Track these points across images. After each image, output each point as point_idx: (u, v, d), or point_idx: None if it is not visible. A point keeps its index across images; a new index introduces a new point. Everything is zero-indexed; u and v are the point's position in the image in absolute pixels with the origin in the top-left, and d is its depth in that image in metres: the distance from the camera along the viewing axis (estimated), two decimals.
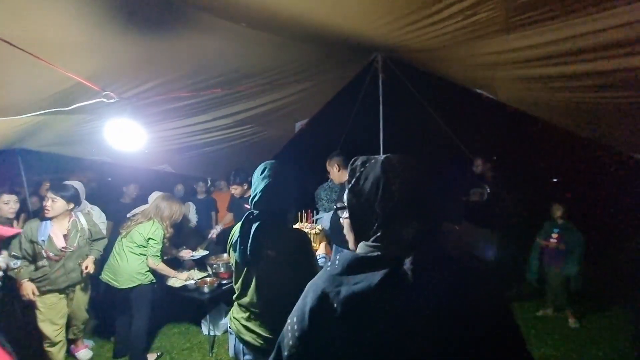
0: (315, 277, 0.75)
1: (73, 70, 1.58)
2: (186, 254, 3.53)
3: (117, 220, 3.32)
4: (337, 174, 2.95)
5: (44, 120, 2.32)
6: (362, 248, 0.75)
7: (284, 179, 1.52)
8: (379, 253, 0.71)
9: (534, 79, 1.95)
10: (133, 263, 2.75)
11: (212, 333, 3.16)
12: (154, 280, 2.89)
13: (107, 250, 2.98)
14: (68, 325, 2.84)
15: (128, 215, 3.01)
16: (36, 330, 2.64)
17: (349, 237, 0.82)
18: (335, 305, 0.67)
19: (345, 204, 0.80)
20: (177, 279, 3.07)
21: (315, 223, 2.41)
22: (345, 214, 0.81)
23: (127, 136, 1.92)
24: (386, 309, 0.66)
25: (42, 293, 2.58)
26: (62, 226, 2.64)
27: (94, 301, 3.10)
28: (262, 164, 1.57)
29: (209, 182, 5.06)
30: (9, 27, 1.34)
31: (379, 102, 2.67)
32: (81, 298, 2.85)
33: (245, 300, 1.52)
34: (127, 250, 2.75)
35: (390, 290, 0.66)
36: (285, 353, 0.70)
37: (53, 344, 2.66)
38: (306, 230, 2.00)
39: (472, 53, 1.96)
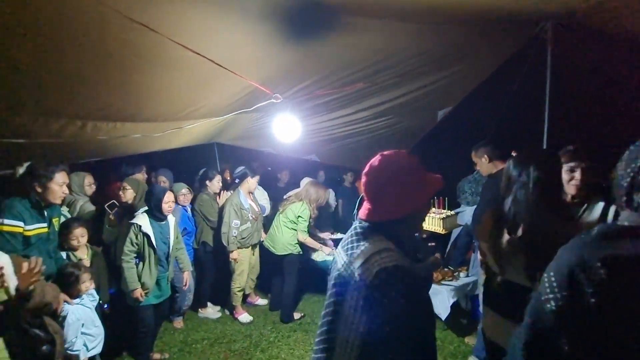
0: (569, 242, 0.81)
1: (252, 79, 2.03)
2: (326, 235, 3.98)
3: (275, 200, 4.07)
4: (486, 165, 2.69)
5: (230, 120, 3.04)
6: (624, 216, 0.78)
7: None
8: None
9: None
10: (286, 235, 3.35)
11: None
12: (301, 253, 3.45)
13: (268, 223, 3.71)
14: None
15: (285, 197, 3.64)
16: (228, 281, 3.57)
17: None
18: (594, 266, 0.70)
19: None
20: (320, 254, 3.54)
21: (456, 216, 2.32)
22: None
23: (288, 129, 2.32)
24: None
25: (245, 247, 3.48)
26: (250, 197, 3.55)
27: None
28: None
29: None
30: (218, 52, 1.84)
31: (540, 82, 2.27)
32: (258, 254, 3.68)
33: None
34: (282, 224, 3.37)
35: None
36: (543, 297, 0.77)
37: (241, 289, 3.55)
38: (432, 215, 2.04)
39: None
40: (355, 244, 1.09)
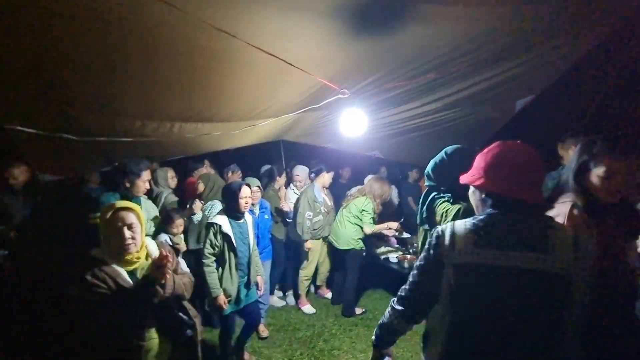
0: None
1: (321, 75, 2.07)
2: (390, 231, 3.90)
3: (336, 196, 4.11)
4: None
5: (297, 118, 3.15)
6: None
7: (445, 162, 1.74)
8: None
9: None
10: (349, 230, 3.39)
11: None
12: (364, 248, 3.45)
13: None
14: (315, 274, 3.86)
15: (348, 193, 3.68)
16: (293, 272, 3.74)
17: None
18: None
19: None
20: (383, 249, 3.52)
21: None
22: None
23: (354, 124, 2.33)
24: None
25: (316, 239, 3.64)
26: (324, 192, 3.74)
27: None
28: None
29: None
30: (288, 51, 1.92)
31: None
32: (327, 249, 3.80)
33: None
34: (345, 219, 3.42)
35: None
36: None
37: (308, 279, 3.73)
38: None
39: None
40: (537, 234, 1.03)
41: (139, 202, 2.72)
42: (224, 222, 2.49)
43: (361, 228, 3.41)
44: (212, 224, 2.50)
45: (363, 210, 3.34)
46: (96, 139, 2.33)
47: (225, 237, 2.47)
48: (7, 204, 3.13)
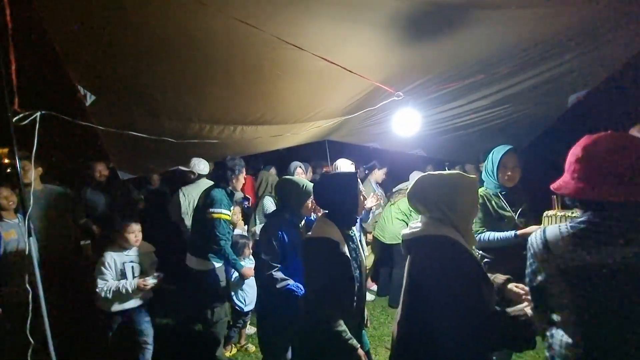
0: None
1: (375, 79, 2.23)
2: None
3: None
4: None
5: (343, 119, 3.32)
6: None
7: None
8: None
9: None
10: (396, 225, 3.50)
11: None
12: None
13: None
14: None
15: (394, 189, 3.78)
16: None
17: None
18: None
19: None
20: None
21: None
22: None
23: (407, 124, 2.46)
24: None
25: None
26: None
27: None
28: None
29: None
30: (345, 58, 2.09)
31: None
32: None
33: None
34: (392, 215, 3.53)
35: None
36: None
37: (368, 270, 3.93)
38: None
39: None
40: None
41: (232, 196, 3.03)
42: (336, 234, 1.62)
43: (407, 225, 3.52)
44: (323, 239, 1.60)
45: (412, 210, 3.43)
46: (187, 141, 2.65)
47: (343, 260, 1.60)
48: (91, 198, 3.60)
